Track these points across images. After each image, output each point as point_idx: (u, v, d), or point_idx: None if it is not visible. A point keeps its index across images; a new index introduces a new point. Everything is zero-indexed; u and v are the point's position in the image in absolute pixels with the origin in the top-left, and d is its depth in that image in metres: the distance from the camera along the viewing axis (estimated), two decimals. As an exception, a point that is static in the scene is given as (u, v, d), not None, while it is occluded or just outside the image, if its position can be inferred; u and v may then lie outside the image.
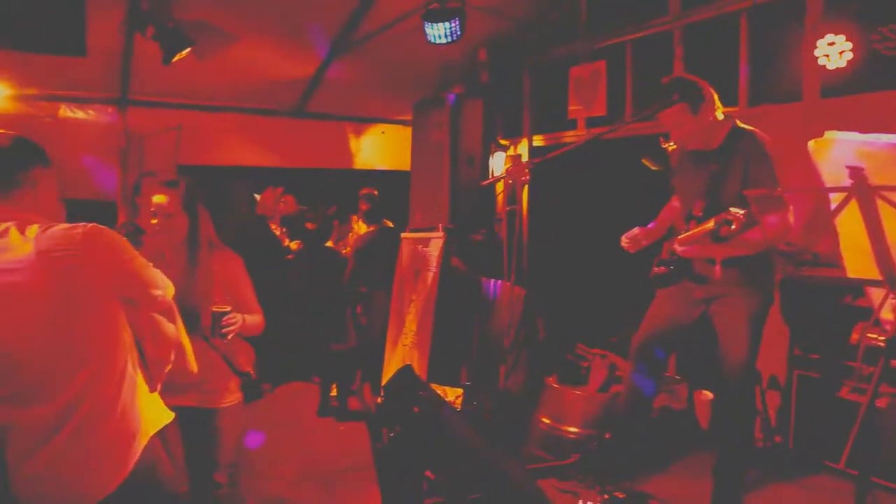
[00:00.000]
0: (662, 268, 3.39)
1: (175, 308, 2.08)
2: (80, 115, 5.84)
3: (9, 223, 1.73)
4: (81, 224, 1.76)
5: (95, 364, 1.76)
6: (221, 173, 6.37)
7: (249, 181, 6.61)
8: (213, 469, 2.73)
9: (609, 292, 5.42)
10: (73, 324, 1.72)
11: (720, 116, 3.15)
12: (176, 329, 2.05)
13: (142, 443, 1.84)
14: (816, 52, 3.89)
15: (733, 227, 2.64)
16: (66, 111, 5.78)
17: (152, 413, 1.94)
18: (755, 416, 3.79)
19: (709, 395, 4.43)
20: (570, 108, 5.59)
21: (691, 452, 4.07)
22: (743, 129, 3.12)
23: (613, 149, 5.13)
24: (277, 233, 6.13)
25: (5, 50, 4.41)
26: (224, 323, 2.52)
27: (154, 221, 2.60)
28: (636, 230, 3.47)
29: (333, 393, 5.53)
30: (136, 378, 1.88)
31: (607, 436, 3.79)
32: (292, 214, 6.33)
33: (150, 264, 1.95)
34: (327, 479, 4.13)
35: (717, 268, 3.06)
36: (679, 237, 3.19)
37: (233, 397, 2.74)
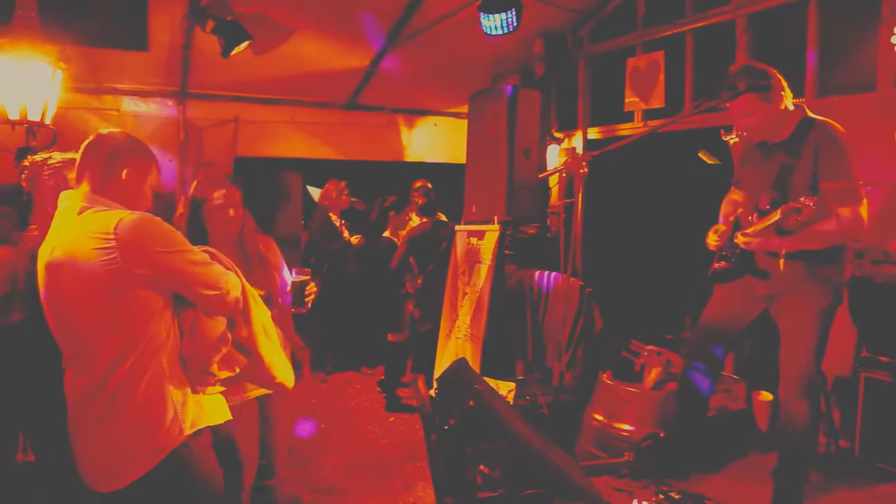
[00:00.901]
0: (723, 263, 3.29)
1: (241, 308, 2.06)
2: (142, 107, 6.01)
3: (93, 207, 1.85)
4: (129, 213, 1.82)
5: (123, 347, 1.79)
6: (275, 165, 6.48)
7: (302, 173, 6.69)
8: (267, 455, 2.77)
9: (665, 287, 5.31)
10: (110, 306, 1.78)
11: (790, 106, 3.03)
12: (222, 332, 2.01)
13: (172, 433, 1.84)
14: (894, 40, 3.70)
15: (802, 216, 2.53)
16: (129, 104, 5.95)
17: (201, 408, 1.94)
18: (819, 420, 3.65)
19: (768, 395, 4.29)
20: (627, 99, 5.48)
21: (749, 454, 3.95)
22: (814, 119, 2.99)
23: (670, 141, 5.01)
24: (337, 224, 6.19)
25: (72, 45, 4.54)
26: (307, 292, 2.60)
27: (221, 219, 2.65)
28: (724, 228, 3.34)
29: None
30: (168, 368, 1.87)
31: (662, 434, 3.70)
32: (349, 208, 6.39)
33: (206, 261, 1.95)
34: (378, 470, 4.16)
35: (781, 262, 2.96)
36: (743, 230, 3.08)
37: (279, 383, 2.77)
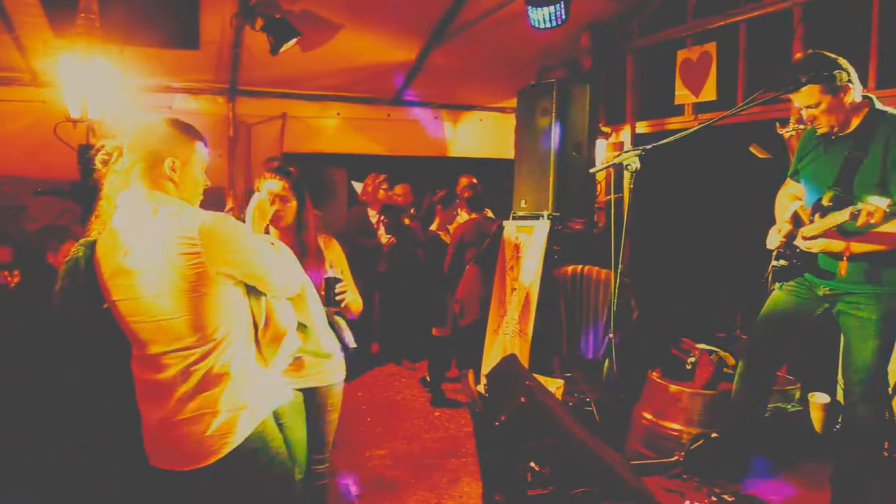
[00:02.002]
0: (782, 261, 3.19)
1: (303, 296, 2.15)
2: (192, 105, 6.15)
3: (151, 203, 1.89)
4: (203, 213, 1.88)
5: (207, 342, 1.86)
6: (322, 161, 6.56)
7: (348, 168, 6.76)
8: (318, 446, 2.81)
9: (715, 285, 5.20)
10: (192, 300, 1.83)
11: (857, 98, 2.90)
12: (293, 319, 2.10)
13: (252, 418, 1.92)
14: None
15: (875, 218, 2.42)
16: (180, 102, 6.10)
17: (267, 393, 2.01)
18: (883, 425, 3.52)
19: (825, 397, 4.16)
20: (677, 92, 5.36)
21: (805, 457, 3.83)
22: (884, 111, 2.87)
23: (719, 134, 4.87)
24: (374, 220, 6.22)
25: (128, 45, 4.67)
26: (338, 290, 2.61)
27: (273, 207, 2.69)
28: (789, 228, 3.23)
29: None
30: (249, 357, 1.96)
31: (714, 435, 3.62)
32: (397, 205, 6.42)
33: (276, 253, 2.04)
34: (423, 464, 4.19)
35: (845, 262, 2.84)
36: (804, 228, 2.98)
37: (337, 375, 2.81)
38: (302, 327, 2.19)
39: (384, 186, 6.20)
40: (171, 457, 1.91)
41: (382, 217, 6.21)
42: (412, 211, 6.67)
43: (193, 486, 1.90)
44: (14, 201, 5.60)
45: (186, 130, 1.99)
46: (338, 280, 2.65)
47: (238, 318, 1.93)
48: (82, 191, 3.74)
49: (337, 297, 2.64)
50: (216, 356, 1.87)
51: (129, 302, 1.89)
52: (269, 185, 2.72)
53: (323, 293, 2.60)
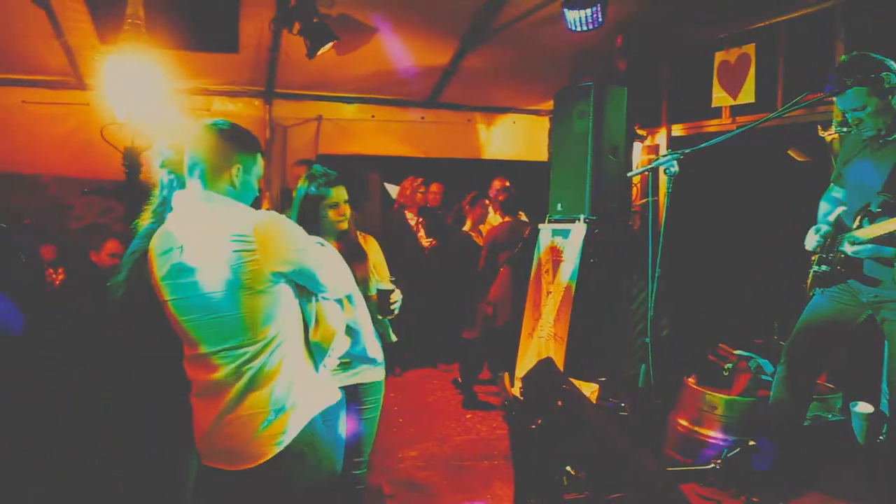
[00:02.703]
0: (824, 266, 3.12)
1: (352, 299, 2.21)
2: (230, 107, 6.26)
3: (208, 204, 1.94)
4: (259, 213, 1.93)
5: (259, 341, 1.89)
6: (356, 163, 6.62)
7: (382, 170, 6.81)
8: (358, 447, 2.84)
9: (753, 290, 5.11)
10: (244, 297, 1.87)
11: (906, 100, 2.84)
12: (342, 320, 2.13)
13: (301, 419, 1.95)
14: None
15: None
16: (218, 104, 6.22)
17: (316, 393, 2.04)
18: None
19: (868, 407, 4.06)
20: (715, 95, 5.28)
21: (847, 467, 3.75)
22: None
23: (757, 137, 4.79)
24: (413, 222, 6.26)
25: (171, 50, 4.78)
26: (392, 300, 2.65)
27: (335, 215, 2.76)
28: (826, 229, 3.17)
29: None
30: (299, 357, 1.99)
31: (752, 443, 3.56)
32: (434, 206, 6.46)
33: (327, 254, 2.08)
34: (455, 466, 4.20)
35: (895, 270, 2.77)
36: (853, 233, 2.91)
37: (378, 374, 2.84)
38: (349, 330, 2.22)
39: (422, 190, 6.24)
40: (222, 456, 1.94)
41: (421, 219, 6.25)
42: (439, 213, 6.70)
43: (243, 486, 1.92)
44: (60, 201, 5.78)
45: (252, 141, 2.05)
46: (391, 291, 2.70)
47: (289, 317, 1.95)
48: (127, 191, 3.84)
49: (391, 306, 2.69)
50: (267, 356, 1.90)
51: (182, 300, 1.93)
52: (340, 193, 2.78)
53: (377, 302, 2.66)
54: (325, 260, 2.04)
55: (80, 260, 4.69)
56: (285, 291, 1.94)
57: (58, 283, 4.97)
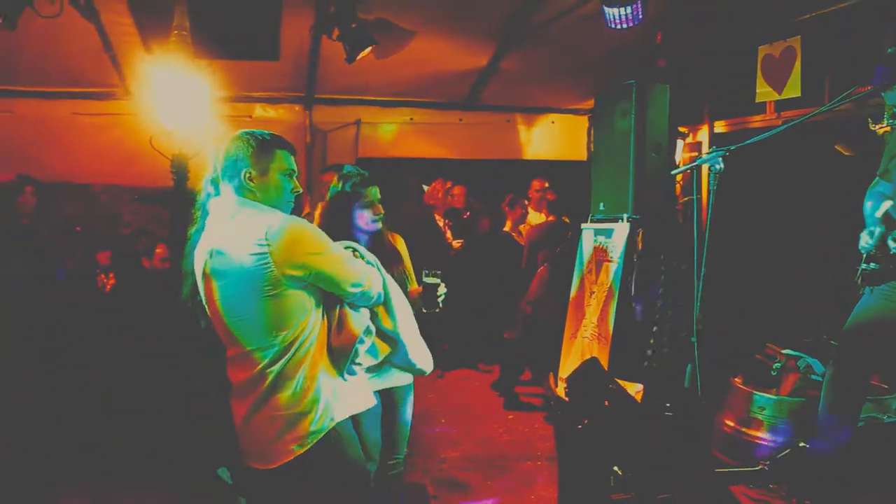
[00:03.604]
0: (874, 264, 3.04)
1: (388, 305, 2.19)
2: (271, 113, 6.40)
3: (234, 208, 2.00)
4: (278, 218, 1.96)
5: (280, 343, 1.93)
6: (395, 165, 6.67)
7: (421, 173, 6.84)
8: (394, 447, 2.87)
9: (801, 288, 5.00)
10: (262, 301, 1.91)
11: (958, 92, 2.76)
12: (367, 324, 2.12)
13: (322, 422, 1.96)
14: None
15: None
16: (259, 111, 6.36)
17: (342, 398, 2.05)
18: None
19: (924, 407, 3.94)
20: (759, 90, 5.17)
21: (902, 471, 3.64)
22: None
23: (803, 132, 4.68)
24: (441, 224, 6.29)
25: (216, 59, 4.90)
26: (438, 293, 2.63)
27: (371, 215, 2.77)
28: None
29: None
30: (320, 362, 2.00)
31: (802, 445, 3.48)
32: (458, 208, 6.47)
33: (350, 258, 2.08)
34: (497, 466, 4.19)
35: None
36: None
37: (408, 377, 2.86)
38: (388, 338, 2.21)
39: (452, 192, 6.27)
40: (250, 455, 2.00)
41: (448, 221, 6.27)
42: (466, 215, 6.71)
43: (270, 485, 1.97)
44: (109, 208, 5.96)
45: (262, 142, 2.04)
46: (438, 284, 2.64)
47: (309, 321, 1.97)
48: (175, 198, 3.96)
49: (437, 300, 2.65)
50: (287, 359, 1.93)
51: (214, 304, 2.00)
52: (374, 192, 2.78)
53: (422, 298, 2.64)
54: (346, 264, 2.04)
55: (131, 266, 4.83)
56: (302, 295, 1.96)
57: (108, 288, 5.13)
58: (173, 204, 4.03)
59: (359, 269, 2.08)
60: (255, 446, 1.98)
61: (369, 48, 5.07)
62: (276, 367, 1.92)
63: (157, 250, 4.61)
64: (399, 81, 6.19)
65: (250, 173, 2.00)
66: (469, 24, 5.35)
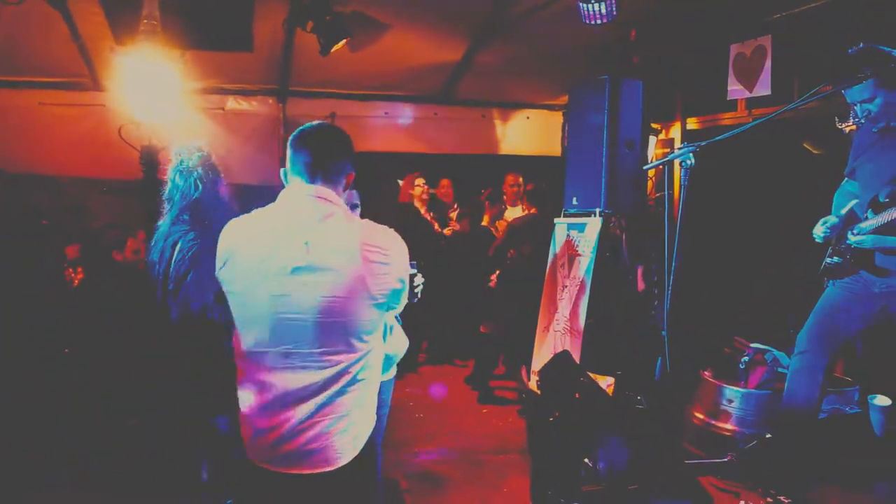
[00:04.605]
0: (836, 258, 3.12)
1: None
2: (244, 106, 6.31)
3: (335, 208, 1.90)
4: (387, 227, 1.94)
5: (359, 349, 1.88)
6: (370, 160, 6.64)
7: (396, 167, 6.83)
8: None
9: (768, 283, 5.09)
10: (367, 312, 1.86)
11: (917, 91, 2.83)
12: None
13: (371, 424, 1.98)
14: None
15: None
16: (232, 103, 6.26)
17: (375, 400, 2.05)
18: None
19: (885, 399, 4.04)
20: (730, 87, 5.24)
21: (864, 460, 3.74)
22: None
23: (772, 130, 4.75)
24: (428, 218, 6.29)
25: (187, 49, 4.81)
26: (416, 283, 2.61)
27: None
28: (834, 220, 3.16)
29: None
30: (379, 366, 2.00)
31: (768, 436, 3.56)
32: (446, 202, 6.48)
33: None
34: (471, 460, 4.21)
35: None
36: (858, 225, 2.91)
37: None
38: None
39: (418, 183, 6.26)
40: (303, 459, 1.93)
41: (433, 213, 6.28)
42: (455, 207, 6.72)
43: (319, 490, 1.93)
44: (78, 201, 5.84)
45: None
46: (415, 274, 2.64)
47: (382, 329, 1.99)
48: (145, 189, 3.90)
49: (415, 289, 2.66)
50: (363, 363, 1.93)
51: (284, 301, 1.89)
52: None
53: None
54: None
55: (101, 259, 4.74)
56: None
57: (76, 282, 5.03)
58: (145, 196, 3.97)
59: None
60: (313, 447, 1.86)
61: (344, 41, 5.03)
62: (351, 373, 1.87)
63: (130, 243, 4.53)
64: (374, 75, 6.15)
65: (351, 178, 1.97)
66: (444, 17, 5.33)
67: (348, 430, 1.88)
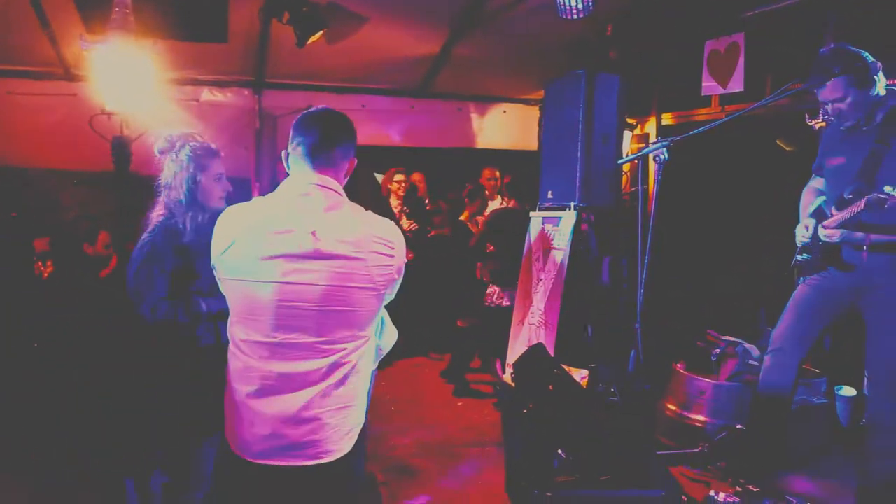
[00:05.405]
0: (806, 255, 3.18)
1: None
2: (219, 97, 6.22)
3: (341, 198, 1.90)
4: (388, 220, 1.94)
5: (357, 340, 1.88)
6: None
7: (373, 160, 6.80)
8: None
9: (740, 278, 5.18)
10: (365, 304, 1.86)
11: (883, 91, 2.89)
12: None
13: (363, 415, 1.97)
14: None
15: (886, 206, 2.43)
16: (207, 94, 6.18)
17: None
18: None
19: (851, 390, 4.15)
20: (705, 84, 5.31)
21: (831, 450, 3.83)
22: None
23: (746, 126, 4.83)
24: (397, 211, 6.29)
25: (160, 39, 4.74)
26: None
27: None
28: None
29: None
30: (372, 357, 2.00)
31: (739, 427, 3.63)
32: (410, 195, 6.48)
33: None
34: (447, 453, 4.23)
35: (865, 254, 2.84)
36: (825, 221, 2.98)
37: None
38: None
39: (398, 178, 6.28)
40: (298, 450, 1.92)
41: (405, 208, 6.28)
42: (427, 201, 6.73)
43: (313, 482, 1.93)
44: (48, 193, 5.73)
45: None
46: None
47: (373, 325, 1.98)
48: (117, 181, 3.84)
49: None
50: (359, 354, 1.94)
51: (286, 290, 1.88)
52: None
53: None
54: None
55: (71, 252, 4.67)
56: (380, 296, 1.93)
57: (46, 275, 4.95)
58: (117, 188, 3.91)
59: None
60: (311, 439, 1.85)
61: (320, 33, 5.00)
62: (349, 364, 1.86)
63: (101, 237, 4.46)
64: (351, 68, 6.11)
65: (353, 165, 1.98)
66: (421, 10, 5.32)
67: (345, 422, 1.88)
